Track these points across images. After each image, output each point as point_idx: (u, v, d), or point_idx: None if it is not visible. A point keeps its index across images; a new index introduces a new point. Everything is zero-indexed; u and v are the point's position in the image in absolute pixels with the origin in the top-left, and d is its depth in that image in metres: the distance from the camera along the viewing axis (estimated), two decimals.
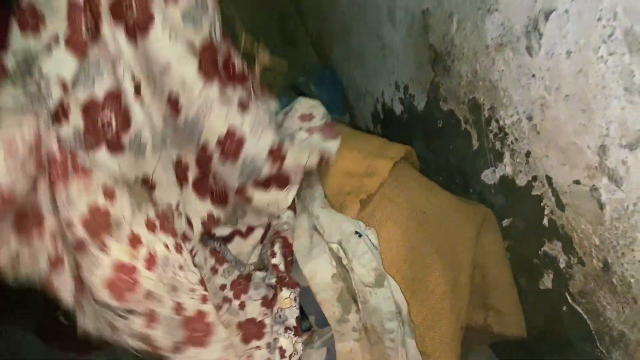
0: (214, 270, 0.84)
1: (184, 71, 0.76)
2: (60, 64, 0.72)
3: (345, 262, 0.83)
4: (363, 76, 1.60)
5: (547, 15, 0.83)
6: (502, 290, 1.06)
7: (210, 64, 0.80)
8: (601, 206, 0.82)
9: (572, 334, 0.96)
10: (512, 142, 1.00)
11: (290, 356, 0.78)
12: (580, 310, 0.93)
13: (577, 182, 0.86)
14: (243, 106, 0.83)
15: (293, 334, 0.79)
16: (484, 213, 1.07)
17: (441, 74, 1.17)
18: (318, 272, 0.83)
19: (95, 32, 0.74)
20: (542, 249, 0.99)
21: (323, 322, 0.84)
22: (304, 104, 1.03)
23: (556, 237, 0.94)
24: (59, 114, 0.73)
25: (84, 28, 0.73)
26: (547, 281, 1.00)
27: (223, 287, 0.80)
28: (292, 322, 0.79)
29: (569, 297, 0.95)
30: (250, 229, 0.89)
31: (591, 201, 0.84)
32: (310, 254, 0.85)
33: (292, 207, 0.91)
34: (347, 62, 1.70)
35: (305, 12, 2.00)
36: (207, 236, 0.88)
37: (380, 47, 1.43)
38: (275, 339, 0.78)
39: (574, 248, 0.91)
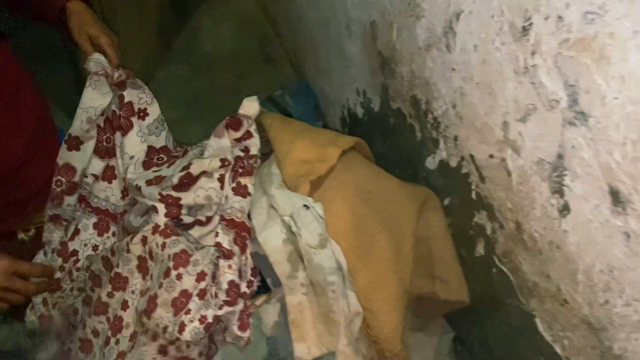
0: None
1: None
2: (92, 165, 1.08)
3: (294, 229, 0.98)
4: (331, 86, 1.77)
5: (458, 17, 1.00)
6: (446, 261, 1.20)
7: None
8: (509, 174, 0.97)
9: (501, 293, 1.10)
10: (444, 130, 1.15)
11: (209, 324, 0.92)
12: (505, 269, 1.07)
13: (491, 156, 1.01)
14: None
15: (219, 304, 0.93)
16: (426, 193, 1.21)
17: (388, 76, 1.34)
18: (270, 238, 0.98)
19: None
20: (474, 220, 1.13)
21: (278, 283, 0.98)
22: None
23: (482, 207, 1.09)
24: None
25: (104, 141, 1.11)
26: (480, 248, 1.14)
27: (169, 257, 0.95)
28: (224, 286, 0.94)
29: (496, 260, 1.09)
30: (209, 218, 1.04)
31: (502, 171, 0.99)
32: (265, 226, 1.00)
33: (244, 193, 1.06)
34: (317, 75, 1.88)
35: (282, 34, 2.18)
36: (175, 221, 1.02)
37: (342, 58, 1.60)
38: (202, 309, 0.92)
39: (495, 215, 1.05)
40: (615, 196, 0.75)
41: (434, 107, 1.17)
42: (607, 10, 0.68)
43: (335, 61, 1.67)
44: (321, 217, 1.01)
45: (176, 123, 1.32)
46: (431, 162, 1.25)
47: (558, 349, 0.98)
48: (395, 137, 1.39)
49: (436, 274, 1.21)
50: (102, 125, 1.08)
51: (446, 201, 1.23)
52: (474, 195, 1.11)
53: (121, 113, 1.08)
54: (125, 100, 1.07)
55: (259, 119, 1.20)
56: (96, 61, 1.02)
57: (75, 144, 1.06)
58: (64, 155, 1.06)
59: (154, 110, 1.14)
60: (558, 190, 0.86)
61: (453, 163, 1.15)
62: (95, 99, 1.05)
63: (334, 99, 1.77)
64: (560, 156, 0.83)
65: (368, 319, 1.04)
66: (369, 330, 1.04)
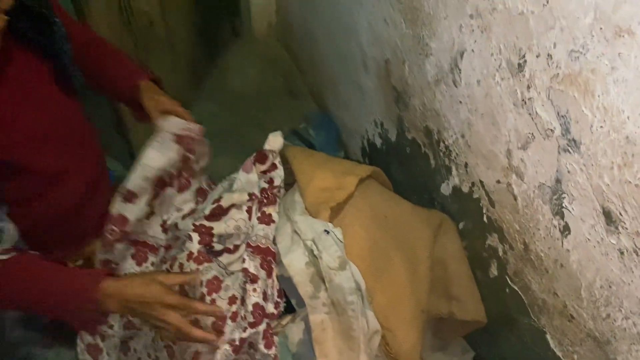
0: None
1: None
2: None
3: (316, 252, 1.06)
4: (350, 118, 1.87)
5: (462, 55, 1.08)
6: (462, 282, 1.26)
7: None
8: (515, 198, 1.04)
9: (515, 311, 1.15)
10: (455, 157, 1.23)
11: (237, 346, 0.99)
12: (517, 288, 1.13)
13: (498, 181, 1.08)
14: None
15: (244, 327, 1.00)
16: (441, 217, 1.29)
17: (403, 109, 1.42)
18: (294, 261, 1.06)
19: None
20: (487, 242, 1.19)
21: (302, 303, 1.06)
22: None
23: (493, 230, 1.15)
24: None
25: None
26: (493, 269, 1.20)
27: (201, 283, 1.03)
28: (249, 308, 1.01)
29: (508, 280, 1.15)
30: (236, 246, 1.14)
31: (508, 195, 1.06)
32: (289, 250, 1.09)
33: (268, 221, 1.15)
34: (338, 108, 1.98)
35: (304, 70, 2.30)
36: (207, 248, 1.12)
37: (360, 92, 1.70)
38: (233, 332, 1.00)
39: (505, 237, 1.12)
40: (608, 216, 0.82)
41: (444, 137, 1.25)
42: (588, 49, 0.76)
43: (354, 95, 1.77)
44: (340, 241, 1.09)
45: None
46: (445, 188, 1.32)
47: None
48: (412, 165, 1.46)
49: (453, 295, 1.27)
50: (155, 181, 1.12)
51: (461, 225, 1.30)
52: (485, 219, 1.17)
53: (183, 173, 1.17)
54: (191, 163, 1.16)
55: (282, 151, 1.29)
56: (175, 122, 1.07)
57: (131, 197, 1.07)
58: (119, 207, 1.06)
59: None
60: (558, 212, 0.92)
61: (465, 189, 1.22)
62: (156, 159, 1.07)
63: (353, 130, 1.86)
64: (558, 180, 0.90)
65: (387, 337, 1.11)
66: (388, 348, 1.10)
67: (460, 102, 1.14)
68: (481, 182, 1.15)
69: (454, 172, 1.26)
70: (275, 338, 1.04)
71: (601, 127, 0.78)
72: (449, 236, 1.29)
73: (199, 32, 2.24)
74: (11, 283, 0.86)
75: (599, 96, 0.77)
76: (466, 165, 1.19)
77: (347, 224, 1.16)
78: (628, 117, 0.73)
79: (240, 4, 2.51)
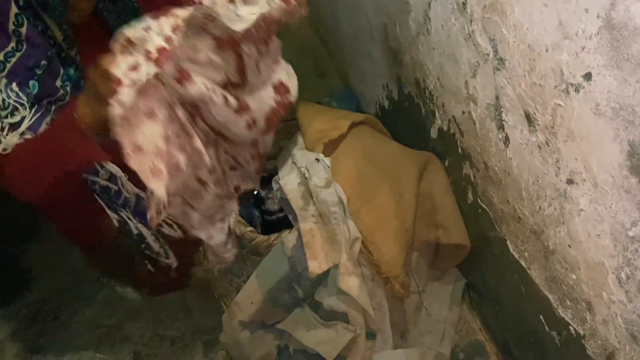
0: None
1: None
2: None
3: (307, 175, 1.27)
4: (366, 88, 2.07)
5: (429, 5, 1.27)
6: (447, 211, 1.43)
7: None
8: (474, 123, 1.21)
9: (485, 228, 1.31)
10: (435, 100, 1.41)
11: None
12: (485, 206, 1.29)
13: (463, 112, 1.25)
14: None
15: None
16: (427, 156, 1.46)
17: (399, 66, 1.61)
18: (288, 182, 1.28)
19: None
20: (463, 172, 1.36)
21: (296, 219, 1.28)
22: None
23: (465, 158, 1.32)
24: None
25: None
26: (470, 196, 1.36)
27: None
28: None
29: (479, 201, 1.31)
30: None
31: (470, 122, 1.23)
32: (286, 174, 1.31)
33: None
34: (356, 81, 2.18)
35: (332, 51, 2.53)
36: None
37: (371, 61, 1.90)
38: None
39: (473, 162, 1.28)
40: (528, 118, 0.98)
41: (427, 84, 1.43)
42: None
43: (367, 65, 1.97)
44: (328, 167, 1.30)
45: None
46: (433, 132, 1.50)
47: (523, 263, 1.18)
48: (410, 118, 1.65)
49: (439, 223, 1.44)
50: None
51: (446, 163, 1.47)
52: (460, 150, 1.34)
53: None
54: None
55: (293, 105, 1.52)
56: None
57: None
58: None
59: None
60: (500, 126, 1.09)
61: (444, 127, 1.40)
62: None
63: (369, 98, 2.06)
64: (497, 97, 1.07)
65: (370, 248, 1.30)
66: (371, 257, 1.29)
67: (434, 48, 1.32)
68: (454, 116, 1.32)
69: (436, 114, 1.43)
70: None
71: (514, 42, 0.95)
72: (435, 172, 1.47)
73: None
74: (33, 143, 1.01)
75: (509, 16, 0.94)
76: (443, 105, 1.37)
77: (338, 157, 1.37)
78: (528, 29, 0.90)
79: None
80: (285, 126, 1.53)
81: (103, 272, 1.80)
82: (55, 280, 1.86)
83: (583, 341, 1.04)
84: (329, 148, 1.39)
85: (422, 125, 1.56)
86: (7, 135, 1.00)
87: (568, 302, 1.05)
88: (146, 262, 1.57)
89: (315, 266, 1.23)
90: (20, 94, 0.99)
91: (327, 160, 1.31)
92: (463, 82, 1.20)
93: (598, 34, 0.75)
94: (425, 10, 1.30)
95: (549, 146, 0.95)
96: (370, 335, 1.31)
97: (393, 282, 1.27)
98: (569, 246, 0.99)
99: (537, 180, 1.02)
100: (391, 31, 1.60)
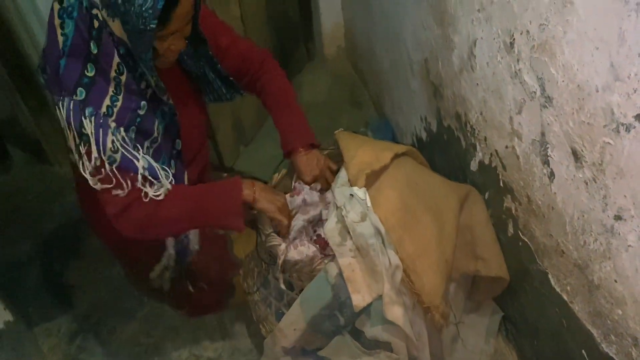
0: None
1: None
2: None
3: (344, 213, 1.31)
4: (403, 119, 2.11)
5: (475, 43, 1.31)
6: (487, 243, 1.45)
7: None
8: (518, 157, 1.24)
9: (525, 261, 1.33)
10: (477, 134, 1.44)
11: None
12: (526, 239, 1.31)
13: (506, 146, 1.29)
14: None
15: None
16: (468, 189, 1.49)
17: (439, 100, 1.66)
18: (328, 223, 1.31)
19: None
20: (504, 205, 1.39)
21: None
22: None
23: (507, 191, 1.35)
24: None
25: None
26: (510, 228, 1.38)
27: None
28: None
29: (520, 234, 1.33)
30: None
31: (514, 157, 1.26)
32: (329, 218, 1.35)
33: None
34: (393, 112, 2.23)
35: (367, 82, 2.59)
36: None
37: (409, 93, 1.95)
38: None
39: (515, 195, 1.31)
40: (575, 154, 1.01)
41: (469, 118, 1.47)
42: (549, 21, 0.98)
43: (405, 97, 2.02)
44: (362, 200, 1.33)
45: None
46: (473, 165, 1.53)
47: (565, 297, 1.19)
48: (449, 150, 1.68)
49: (478, 255, 1.46)
50: None
51: (486, 195, 1.49)
52: (501, 183, 1.37)
53: None
54: None
55: (335, 136, 1.57)
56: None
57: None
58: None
59: None
60: (545, 161, 1.12)
61: (486, 160, 1.43)
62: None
63: (405, 129, 2.11)
64: (543, 134, 1.11)
65: (413, 279, 1.32)
66: (413, 286, 1.32)
67: (477, 84, 1.36)
68: (496, 151, 1.36)
69: (477, 147, 1.47)
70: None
71: (563, 81, 0.99)
72: (475, 205, 1.49)
73: (278, 55, 2.60)
74: (175, 200, 1.19)
75: (558, 57, 0.98)
76: (485, 139, 1.40)
77: (382, 188, 1.40)
78: (577, 69, 0.94)
79: (313, 31, 2.86)
80: (328, 154, 1.58)
81: (143, 290, 1.85)
82: (97, 297, 1.92)
83: None
84: (371, 179, 1.42)
85: (462, 158, 1.59)
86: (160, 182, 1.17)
87: (613, 338, 1.06)
88: (187, 282, 1.62)
89: (359, 299, 1.25)
90: (126, 138, 1.10)
91: (362, 193, 1.34)
92: (507, 117, 1.24)
93: None
94: (470, 48, 1.34)
95: (596, 182, 0.97)
96: None
97: (433, 312, 1.29)
98: (615, 281, 1.00)
99: (583, 215, 1.04)
100: (432, 66, 1.65)
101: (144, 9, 0.96)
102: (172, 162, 1.27)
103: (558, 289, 1.22)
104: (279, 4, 2.54)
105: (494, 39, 1.21)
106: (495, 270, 1.44)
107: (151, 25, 0.98)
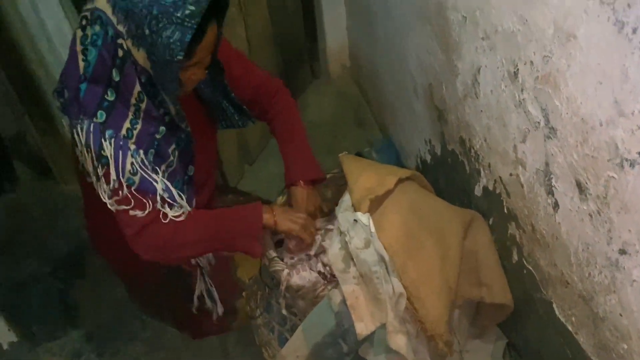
0: None
1: None
2: None
3: (347, 239, 1.31)
4: (407, 141, 2.12)
5: (479, 70, 1.32)
6: (491, 270, 1.44)
7: None
8: (522, 186, 1.24)
9: (529, 289, 1.32)
10: (481, 160, 1.44)
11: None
12: (531, 268, 1.30)
13: (510, 174, 1.28)
14: None
15: None
16: (472, 214, 1.49)
17: (444, 124, 1.66)
18: (331, 249, 1.32)
19: None
20: (508, 232, 1.38)
21: None
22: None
23: (511, 218, 1.34)
24: None
25: None
26: (514, 255, 1.38)
27: None
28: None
29: (524, 262, 1.33)
30: None
31: (518, 185, 1.26)
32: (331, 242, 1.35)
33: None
34: (397, 133, 2.24)
35: (371, 102, 2.60)
36: None
37: (413, 116, 1.95)
38: None
39: (519, 223, 1.31)
40: (579, 186, 1.01)
41: (473, 143, 1.47)
42: (553, 53, 0.99)
43: (409, 119, 2.02)
44: (366, 225, 1.33)
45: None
46: (477, 190, 1.53)
47: (570, 327, 1.18)
48: (453, 174, 1.68)
49: (482, 281, 1.46)
50: None
51: (490, 221, 1.49)
52: (505, 210, 1.37)
53: None
54: None
55: (339, 159, 1.57)
56: None
57: None
58: None
59: None
60: (550, 191, 1.12)
61: (490, 186, 1.43)
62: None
63: (409, 151, 2.11)
64: (547, 164, 1.10)
65: (417, 306, 1.31)
66: (416, 313, 1.31)
67: (481, 110, 1.36)
68: (500, 177, 1.35)
69: (482, 173, 1.47)
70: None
71: (567, 113, 0.99)
72: (479, 230, 1.49)
73: (282, 74, 2.61)
74: (195, 222, 1.21)
75: (562, 89, 0.98)
76: (489, 165, 1.40)
77: (386, 213, 1.40)
78: (581, 103, 0.94)
79: (318, 50, 2.88)
80: (332, 178, 1.58)
81: (147, 311, 1.85)
82: (100, 317, 1.92)
83: None
84: (375, 203, 1.42)
85: (466, 183, 1.59)
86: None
87: None
88: (190, 304, 1.62)
89: (362, 327, 1.25)
90: (145, 160, 1.11)
91: (365, 219, 1.34)
92: (511, 145, 1.24)
93: None
94: (474, 75, 1.35)
95: (600, 215, 0.97)
96: None
97: (437, 340, 1.28)
98: (620, 315, 0.99)
99: (587, 248, 1.04)
100: (436, 91, 1.65)
101: (171, 40, 0.98)
102: (184, 187, 1.28)
103: (563, 319, 1.21)
104: (284, 24, 2.56)
105: (498, 67, 1.22)
106: (500, 297, 1.43)
107: (178, 57, 0.99)
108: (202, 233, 1.23)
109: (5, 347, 1.63)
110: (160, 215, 1.16)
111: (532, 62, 1.07)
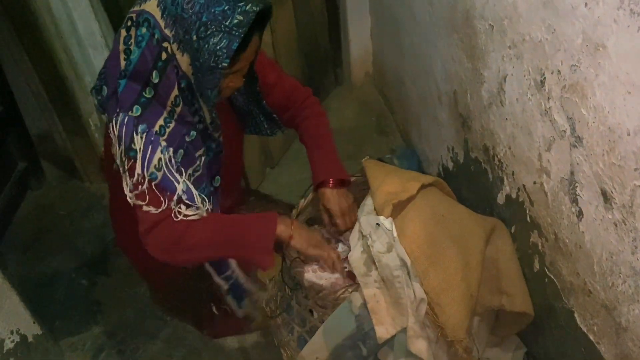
0: None
1: None
2: None
3: (369, 242, 1.32)
4: (430, 148, 2.12)
5: (505, 78, 1.33)
6: (512, 278, 1.44)
7: None
8: (546, 194, 1.24)
9: (551, 298, 1.32)
10: (505, 168, 1.45)
11: None
12: (552, 277, 1.30)
13: (534, 182, 1.29)
14: None
15: None
16: (494, 222, 1.49)
17: (467, 132, 1.67)
18: (354, 252, 1.33)
19: None
20: (530, 240, 1.38)
21: None
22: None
23: (534, 227, 1.34)
24: None
25: None
26: (536, 264, 1.38)
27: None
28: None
29: (546, 270, 1.32)
30: None
31: (541, 193, 1.26)
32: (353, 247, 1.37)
33: None
34: (420, 141, 2.25)
35: (394, 110, 2.61)
36: None
37: (437, 123, 1.96)
38: None
39: (542, 231, 1.31)
40: (605, 195, 1.01)
41: (497, 151, 1.47)
42: (581, 62, 0.99)
43: (431, 126, 2.03)
44: (389, 230, 1.34)
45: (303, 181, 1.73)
46: (500, 198, 1.53)
47: (591, 337, 1.18)
48: (475, 182, 1.69)
49: (503, 290, 1.45)
50: None
51: (512, 229, 1.49)
52: (528, 219, 1.37)
53: None
54: None
55: (362, 164, 1.59)
56: None
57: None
58: None
59: None
60: (574, 200, 1.12)
61: (513, 195, 1.43)
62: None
63: (432, 159, 2.11)
64: (572, 173, 1.11)
65: (437, 312, 1.32)
66: (436, 319, 1.31)
67: (506, 119, 1.37)
68: (524, 185, 1.36)
69: (505, 181, 1.47)
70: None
71: (593, 122, 0.99)
72: (501, 238, 1.49)
73: (306, 81, 2.65)
74: (206, 225, 1.20)
75: (589, 98, 0.99)
76: (513, 173, 1.41)
77: (408, 219, 1.41)
78: (608, 112, 0.94)
79: (342, 57, 2.91)
80: (353, 182, 1.59)
81: (168, 310, 1.87)
82: (122, 315, 1.95)
83: None
84: (397, 209, 1.43)
85: (489, 191, 1.59)
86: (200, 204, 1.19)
87: None
88: (211, 304, 1.64)
89: (383, 331, 1.25)
90: (172, 159, 1.13)
91: (388, 224, 1.35)
92: (536, 154, 1.24)
93: None
94: (500, 83, 1.36)
95: (625, 224, 0.97)
96: None
97: (457, 346, 1.28)
98: None
99: (612, 257, 1.04)
100: (461, 98, 1.66)
101: (218, 47, 1.01)
102: (211, 197, 1.29)
103: (584, 329, 1.20)
104: (309, 31, 2.60)
105: (525, 76, 1.22)
106: (520, 305, 1.43)
107: (223, 64, 1.02)
108: (212, 237, 1.22)
109: (30, 339, 1.66)
110: (172, 215, 1.16)
111: (559, 71, 1.07)
